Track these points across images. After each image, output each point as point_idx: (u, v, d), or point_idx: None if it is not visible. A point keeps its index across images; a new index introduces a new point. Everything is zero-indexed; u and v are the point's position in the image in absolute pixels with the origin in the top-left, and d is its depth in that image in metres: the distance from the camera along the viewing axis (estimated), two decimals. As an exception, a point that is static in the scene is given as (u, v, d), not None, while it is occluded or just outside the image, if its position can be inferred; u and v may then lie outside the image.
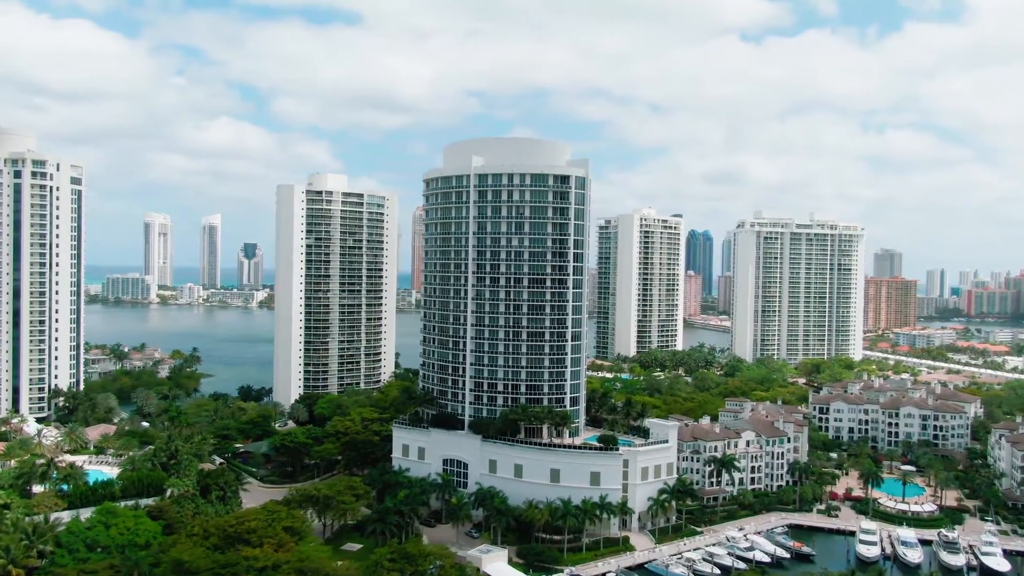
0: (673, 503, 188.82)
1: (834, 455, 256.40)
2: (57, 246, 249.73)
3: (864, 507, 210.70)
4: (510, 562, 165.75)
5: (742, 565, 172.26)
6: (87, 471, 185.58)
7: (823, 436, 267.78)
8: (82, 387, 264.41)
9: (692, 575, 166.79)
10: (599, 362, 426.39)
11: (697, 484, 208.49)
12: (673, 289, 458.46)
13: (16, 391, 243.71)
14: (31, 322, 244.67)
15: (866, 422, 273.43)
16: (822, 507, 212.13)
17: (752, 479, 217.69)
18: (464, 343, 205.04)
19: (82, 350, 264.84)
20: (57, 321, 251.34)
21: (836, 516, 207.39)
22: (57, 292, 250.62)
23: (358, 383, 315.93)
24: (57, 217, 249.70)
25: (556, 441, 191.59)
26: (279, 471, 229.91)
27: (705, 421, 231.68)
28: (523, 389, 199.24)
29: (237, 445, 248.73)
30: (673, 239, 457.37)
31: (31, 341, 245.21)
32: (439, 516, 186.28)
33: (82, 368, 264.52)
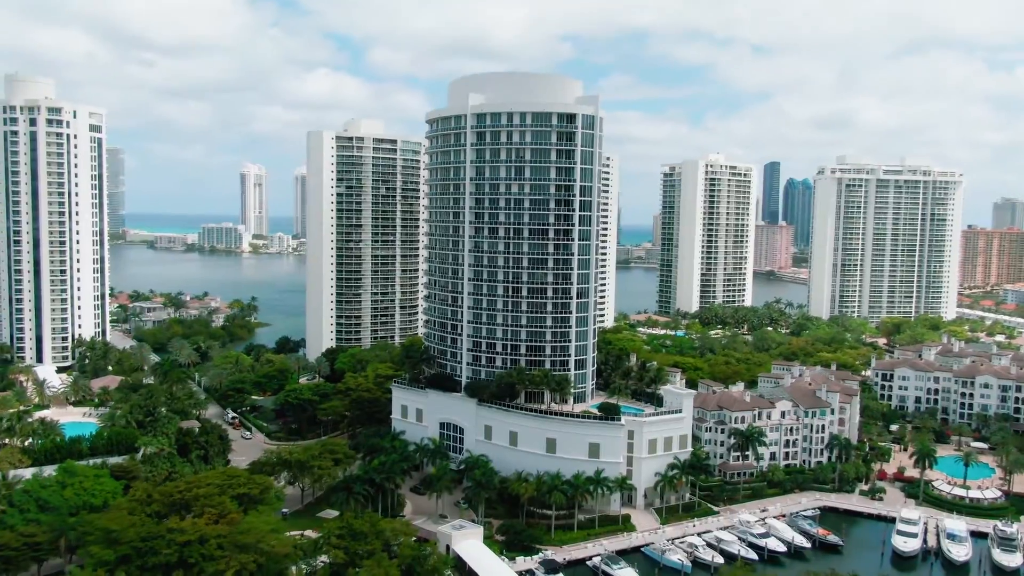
0: (685, 480, 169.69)
1: (895, 427, 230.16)
2: (76, 194, 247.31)
3: (914, 490, 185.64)
4: (489, 539, 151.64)
5: (751, 555, 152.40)
6: (64, 425, 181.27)
7: (883, 406, 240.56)
8: (108, 336, 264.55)
9: (690, 563, 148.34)
10: (655, 317, 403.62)
11: (721, 458, 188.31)
12: (741, 240, 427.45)
13: (39, 340, 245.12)
14: (51, 271, 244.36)
15: (936, 391, 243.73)
16: (866, 488, 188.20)
17: (787, 454, 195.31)
18: (461, 299, 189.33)
19: (107, 299, 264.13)
20: (79, 271, 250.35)
21: (880, 499, 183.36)
22: (78, 241, 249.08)
23: (392, 336, 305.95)
24: (76, 165, 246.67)
25: (555, 408, 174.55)
26: (286, 428, 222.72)
27: (738, 388, 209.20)
28: (523, 350, 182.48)
29: (255, 398, 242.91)
30: (742, 186, 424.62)
31: (52, 291, 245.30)
32: (431, 483, 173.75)
33: (107, 317, 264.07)
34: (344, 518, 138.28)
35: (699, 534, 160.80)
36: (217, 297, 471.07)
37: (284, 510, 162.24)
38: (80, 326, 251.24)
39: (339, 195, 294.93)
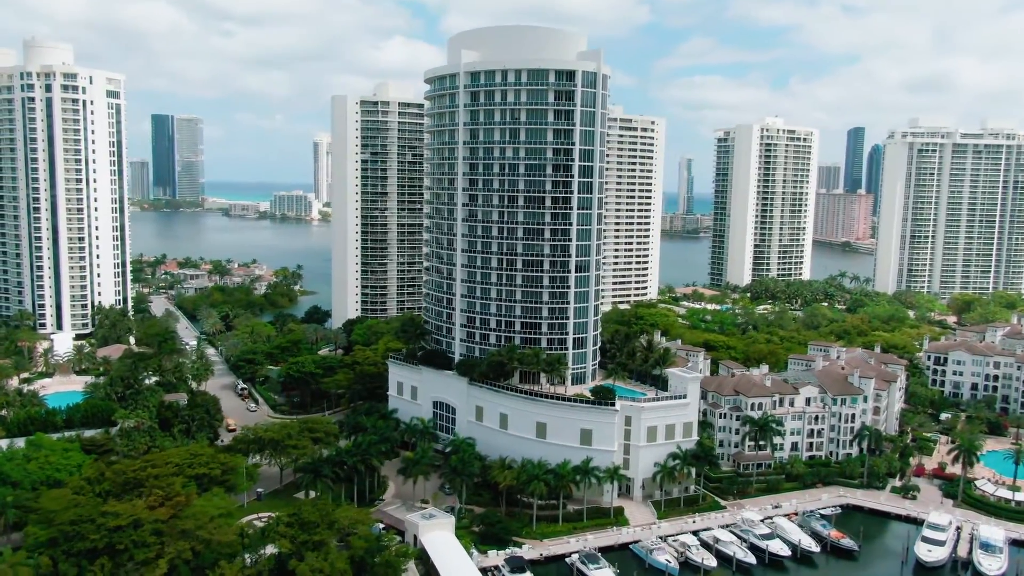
0: (688, 471, 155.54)
1: (947, 416, 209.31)
2: (94, 161, 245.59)
3: (954, 489, 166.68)
4: (465, 530, 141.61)
5: (749, 558, 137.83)
6: (50, 396, 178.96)
7: (933, 393, 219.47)
8: (130, 304, 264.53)
9: (677, 564, 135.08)
10: (702, 291, 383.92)
11: (736, 447, 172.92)
12: (800, 209, 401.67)
13: (59, 308, 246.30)
14: (70, 239, 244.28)
15: (995, 378, 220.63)
16: (899, 485, 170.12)
17: (811, 445, 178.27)
18: (454, 271, 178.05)
19: (128, 266, 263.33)
20: (98, 238, 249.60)
21: (913, 498, 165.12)
22: (96, 208, 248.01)
23: (417, 308, 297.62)
24: (92, 131, 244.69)
25: (545, 390, 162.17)
26: (291, 401, 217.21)
27: (760, 371, 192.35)
28: (517, 327, 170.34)
29: (272, 368, 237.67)
30: (802, 153, 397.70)
31: (71, 258, 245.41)
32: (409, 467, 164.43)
33: (128, 284, 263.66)
34: (297, 505, 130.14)
35: (695, 532, 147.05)
36: (263, 265, 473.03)
37: (259, 490, 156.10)
38: (100, 294, 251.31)
39: (363, 162, 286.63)
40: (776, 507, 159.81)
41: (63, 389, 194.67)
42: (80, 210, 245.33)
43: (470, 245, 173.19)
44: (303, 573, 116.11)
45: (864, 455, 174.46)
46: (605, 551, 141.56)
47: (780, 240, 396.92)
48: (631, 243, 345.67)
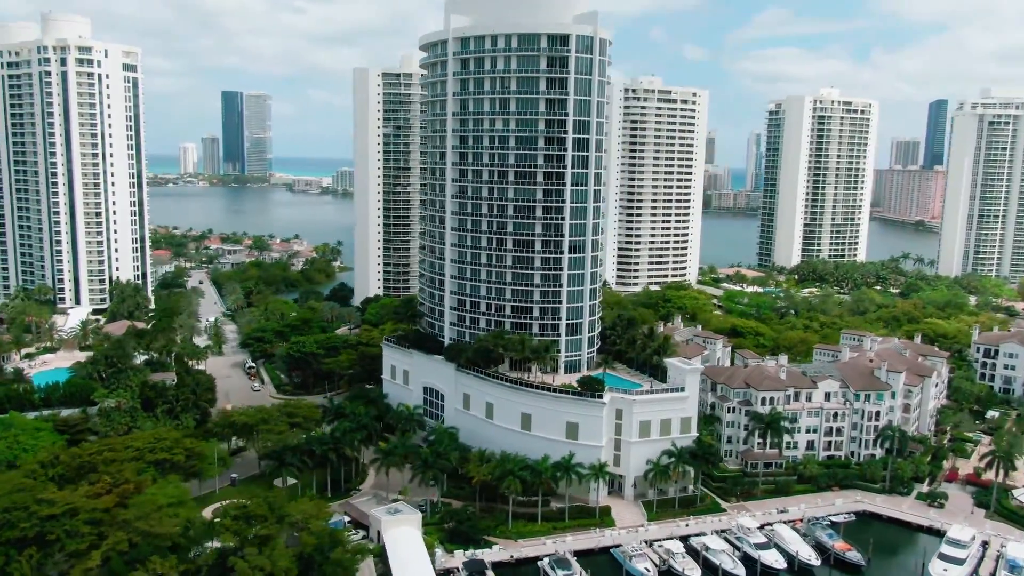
0: (684, 470, 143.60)
1: (994, 414, 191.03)
2: (110, 136, 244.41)
3: (987, 497, 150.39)
4: (437, 526, 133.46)
5: (739, 570, 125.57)
6: (40, 373, 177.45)
7: (981, 388, 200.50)
8: (150, 279, 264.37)
9: (657, 574, 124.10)
10: (746, 272, 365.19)
11: (745, 444, 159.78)
12: (855, 186, 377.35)
13: (77, 282, 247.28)
14: (86, 213, 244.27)
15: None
16: (926, 490, 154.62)
17: (829, 444, 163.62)
18: (444, 250, 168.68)
19: (147, 242, 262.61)
20: (115, 213, 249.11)
21: (940, 506, 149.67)
22: (113, 183, 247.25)
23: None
24: (108, 105, 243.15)
25: (531, 379, 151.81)
26: (293, 382, 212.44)
27: (777, 362, 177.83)
28: (508, 311, 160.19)
29: (285, 344, 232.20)
30: (859, 126, 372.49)
31: (88, 232, 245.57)
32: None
33: (148, 259, 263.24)
34: (249, 496, 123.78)
35: (685, 537, 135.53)
36: (304, 240, 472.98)
37: (234, 475, 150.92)
38: (118, 268, 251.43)
39: (385, 135, 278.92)
40: (782, 511, 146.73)
41: (64, 365, 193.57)
42: (97, 185, 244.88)
43: (460, 223, 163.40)
44: (242, 570, 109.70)
45: (888, 457, 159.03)
46: (584, 555, 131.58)
47: (833, 219, 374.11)
48: (668, 221, 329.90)
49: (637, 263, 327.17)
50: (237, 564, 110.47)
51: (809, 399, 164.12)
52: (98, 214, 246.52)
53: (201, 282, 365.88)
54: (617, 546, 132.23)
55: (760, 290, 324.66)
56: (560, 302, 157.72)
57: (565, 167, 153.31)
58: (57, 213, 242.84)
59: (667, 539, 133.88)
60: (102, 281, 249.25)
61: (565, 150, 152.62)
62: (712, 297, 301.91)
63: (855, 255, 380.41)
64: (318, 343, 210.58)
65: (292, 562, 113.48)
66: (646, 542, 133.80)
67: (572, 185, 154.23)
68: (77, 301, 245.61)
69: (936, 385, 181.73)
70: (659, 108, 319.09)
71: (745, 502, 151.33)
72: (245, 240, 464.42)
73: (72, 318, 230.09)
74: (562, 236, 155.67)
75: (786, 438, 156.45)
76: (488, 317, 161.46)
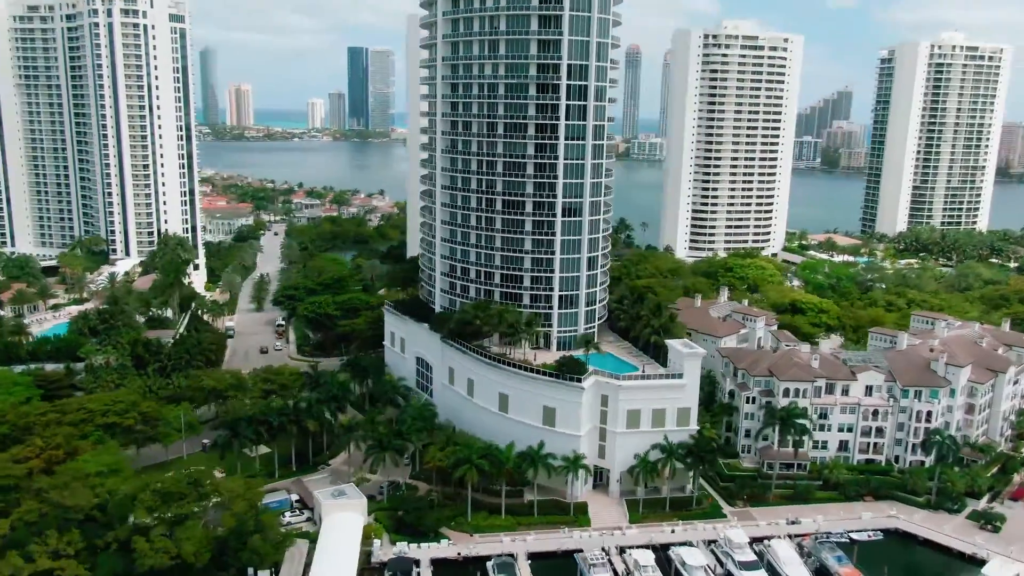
0: (671, 467, 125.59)
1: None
2: (157, 88, 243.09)
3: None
4: (391, 512, 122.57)
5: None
6: (54, 328, 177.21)
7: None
8: (200, 232, 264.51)
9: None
10: (839, 239, 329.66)
11: (764, 441, 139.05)
12: (978, 144, 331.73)
13: (126, 235, 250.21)
14: (134, 166, 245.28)
15: None
16: (981, 509, 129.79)
17: (868, 446, 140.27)
18: (435, 211, 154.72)
19: (196, 194, 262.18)
20: (162, 165, 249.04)
21: (996, 530, 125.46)
22: (161, 136, 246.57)
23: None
24: (154, 57, 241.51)
25: (509, 355, 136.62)
26: (311, 343, 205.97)
27: (820, 346, 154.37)
28: (497, 279, 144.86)
29: (316, 300, 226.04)
30: (985, 75, 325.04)
31: (135, 185, 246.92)
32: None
33: (197, 212, 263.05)
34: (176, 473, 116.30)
35: (664, 546, 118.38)
36: (386, 196, 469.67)
37: (205, 441, 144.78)
38: (166, 222, 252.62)
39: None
40: (793, 522, 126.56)
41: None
42: (144, 137, 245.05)
43: (451, 181, 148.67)
44: (141, 551, 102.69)
45: (937, 466, 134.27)
46: (544, 557, 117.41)
47: (948, 181, 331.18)
48: (751, 181, 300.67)
49: (713, 227, 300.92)
50: (138, 545, 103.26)
51: (846, 393, 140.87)
52: (145, 166, 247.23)
53: (276, 234, 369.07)
54: (578, 551, 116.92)
55: (851, 259, 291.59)
56: (552, 271, 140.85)
57: (558, 118, 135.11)
58: (108, 165, 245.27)
59: (642, 547, 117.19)
60: (150, 233, 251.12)
61: (558, 99, 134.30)
62: (790, 267, 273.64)
63: (974, 223, 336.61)
64: (337, 304, 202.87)
65: (204, 545, 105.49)
66: (618, 548, 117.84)
67: (567, 139, 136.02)
68: (127, 253, 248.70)
69: (1015, 383, 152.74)
70: (743, 56, 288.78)
71: (753, 507, 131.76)
72: (328, 195, 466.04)
73: (118, 270, 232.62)
74: (555, 197, 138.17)
75: (809, 436, 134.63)
76: (478, 285, 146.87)
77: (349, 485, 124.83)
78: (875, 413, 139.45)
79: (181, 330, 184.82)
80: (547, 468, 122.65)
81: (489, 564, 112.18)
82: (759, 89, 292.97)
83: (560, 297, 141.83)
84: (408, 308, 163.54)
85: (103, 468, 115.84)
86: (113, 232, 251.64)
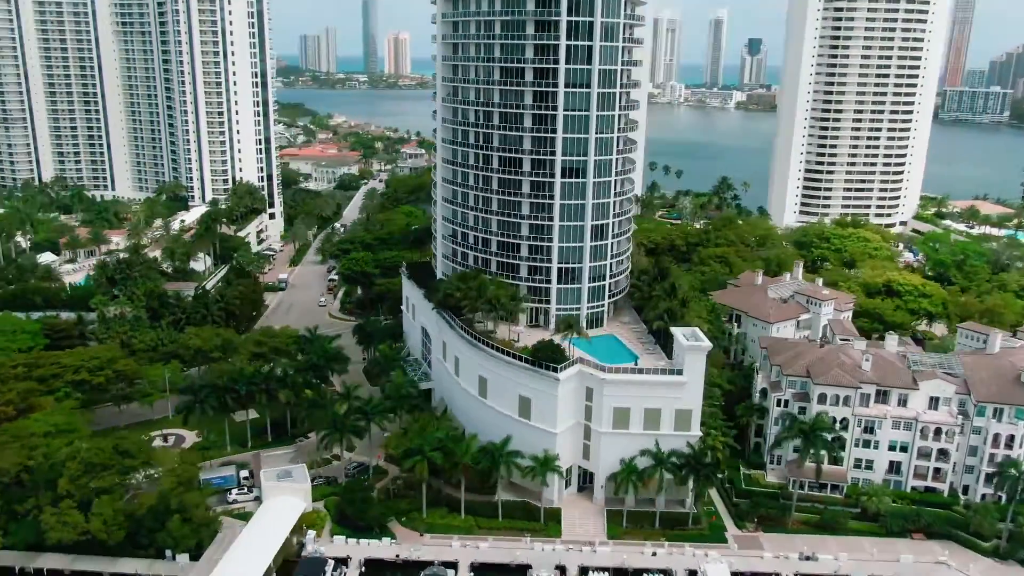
0: (660, 478, 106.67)
1: None
2: (231, 33, 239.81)
3: None
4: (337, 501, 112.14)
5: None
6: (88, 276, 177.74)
7: None
8: (276, 180, 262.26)
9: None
10: (982, 206, 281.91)
11: (795, 452, 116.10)
12: None
13: (202, 182, 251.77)
14: (208, 112, 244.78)
15: None
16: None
17: (928, 472, 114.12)
18: (436, 169, 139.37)
19: (272, 142, 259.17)
20: (237, 112, 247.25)
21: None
22: (235, 82, 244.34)
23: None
24: (228, 1, 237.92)
25: (493, 334, 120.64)
26: (352, 300, 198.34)
27: (861, 341, 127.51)
28: (494, 247, 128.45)
29: (356, 256, 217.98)
30: None
31: (210, 132, 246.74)
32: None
33: (273, 160, 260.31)
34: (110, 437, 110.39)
35: (639, 571, 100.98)
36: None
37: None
38: (241, 169, 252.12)
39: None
40: (808, 558, 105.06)
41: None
42: (218, 83, 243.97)
43: (452, 135, 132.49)
44: (47, 523, 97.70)
45: (1011, 504, 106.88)
46: (495, 569, 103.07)
47: None
48: (877, 139, 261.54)
49: (828, 189, 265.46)
50: (44, 518, 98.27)
51: (903, 403, 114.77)
52: (220, 113, 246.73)
53: (380, 182, 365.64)
54: (529, 567, 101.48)
55: (995, 232, 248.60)
56: (551, 239, 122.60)
57: (558, 61, 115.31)
58: (185, 112, 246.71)
59: (606, 569, 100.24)
60: (225, 181, 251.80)
61: (558, 38, 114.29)
62: (916, 238, 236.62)
63: None
64: (376, 261, 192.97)
65: (102, 523, 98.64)
66: (580, 569, 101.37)
67: (567, 86, 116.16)
68: (204, 200, 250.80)
69: None
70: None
71: (765, 532, 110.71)
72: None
73: (191, 217, 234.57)
74: (553, 154, 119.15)
75: (835, 453, 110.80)
76: (475, 253, 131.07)
77: (299, 466, 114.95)
78: (937, 432, 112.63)
79: (213, 283, 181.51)
80: (510, 467, 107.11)
81: (427, 571, 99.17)
82: (893, 31, 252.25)
83: (559, 270, 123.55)
84: (416, 272, 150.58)
85: (51, 428, 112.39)
86: (191, 179, 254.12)
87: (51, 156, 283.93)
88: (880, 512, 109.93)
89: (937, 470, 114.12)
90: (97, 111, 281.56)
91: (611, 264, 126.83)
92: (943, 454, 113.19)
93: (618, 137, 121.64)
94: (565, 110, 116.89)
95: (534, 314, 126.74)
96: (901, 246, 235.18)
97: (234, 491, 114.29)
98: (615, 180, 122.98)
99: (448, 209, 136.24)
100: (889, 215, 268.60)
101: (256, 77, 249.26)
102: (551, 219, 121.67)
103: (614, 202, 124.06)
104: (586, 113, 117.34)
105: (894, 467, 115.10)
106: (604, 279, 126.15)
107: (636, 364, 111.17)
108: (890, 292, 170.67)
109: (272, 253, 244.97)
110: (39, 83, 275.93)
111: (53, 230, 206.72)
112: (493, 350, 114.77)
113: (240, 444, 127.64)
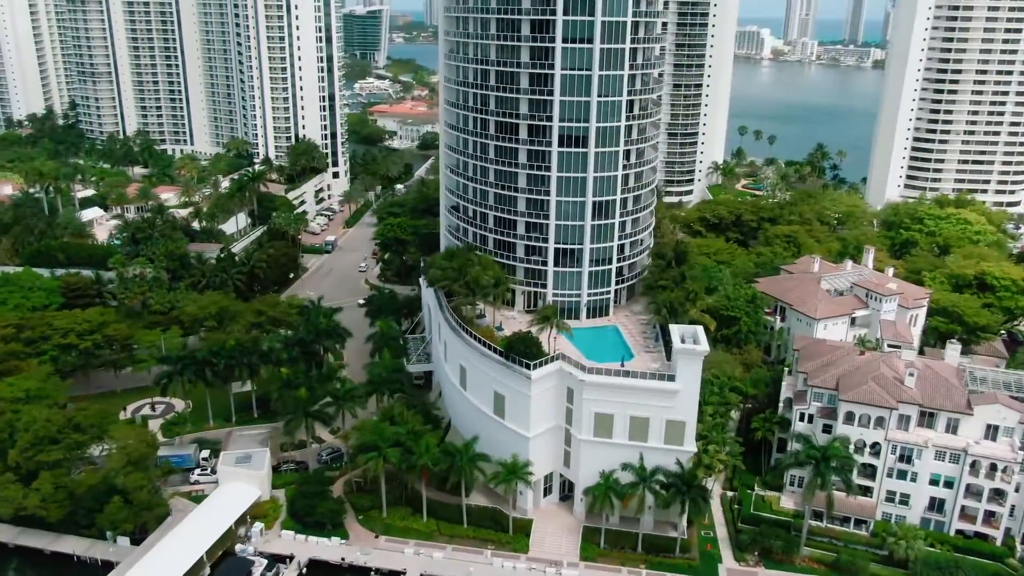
0: (643, 497, 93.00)
1: None
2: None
3: None
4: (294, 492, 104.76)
5: None
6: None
7: None
8: (340, 138, 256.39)
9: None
10: None
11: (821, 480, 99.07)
12: None
13: (266, 138, 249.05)
14: (271, 68, 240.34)
15: None
16: None
17: (979, 513, 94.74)
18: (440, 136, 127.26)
19: (336, 99, 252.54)
20: (300, 68, 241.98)
21: None
22: (298, 38, 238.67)
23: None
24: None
25: (476, 321, 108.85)
26: (390, 268, 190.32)
27: (910, 351, 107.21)
28: (491, 223, 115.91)
29: (392, 222, 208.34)
30: None
31: (273, 88, 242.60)
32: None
33: (338, 118, 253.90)
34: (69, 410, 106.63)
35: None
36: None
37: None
38: (304, 127, 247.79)
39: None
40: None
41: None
42: (282, 39, 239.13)
43: (454, 96, 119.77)
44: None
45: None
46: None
47: None
48: (1003, 104, 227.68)
49: (940, 160, 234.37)
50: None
51: (952, 429, 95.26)
52: (283, 69, 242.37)
53: (400, 149, 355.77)
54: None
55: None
56: (547, 216, 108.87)
57: (555, 11, 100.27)
58: (250, 67, 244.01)
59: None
60: (288, 139, 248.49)
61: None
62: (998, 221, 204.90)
63: None
64: (413, 228, 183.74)
65: (56, 500, 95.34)
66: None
67: (564, 42, 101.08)
68: (268, 157, 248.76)
69: None
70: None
71: (767, 569, 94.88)
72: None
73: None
74: (550, 119, 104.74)
75: (849, 483, 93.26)
76: (474, 229, 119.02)
77: (260, 451, 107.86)
78: (992, 467, 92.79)
79: (243, 245, 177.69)
80: (472, 473, 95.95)
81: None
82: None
83: (556, 251, 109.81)
84: (425, 243, 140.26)
85: (21, 394, 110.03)
86: (256, 136, 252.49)
87: (135, 110, 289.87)
88: (909, 558, 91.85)
89: (990, 513, 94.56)
90: (177, 66, 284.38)
91: (620, 245, 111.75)
92: (998, 494, 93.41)
93: (628, 101, 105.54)
94: (563, 69, 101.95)
95: (533, 298, 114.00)
96: (1022, 228, 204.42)
97: (196, 471, 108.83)
98: (623, 151, 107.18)
99: (450, 179, 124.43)
100: (1013, 192, 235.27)
101: (320, 32, 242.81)
102: (547, 193, 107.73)
103: (623, 175, 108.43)
104: (588, 72, 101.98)
105: (936, 505, 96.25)
106: (610, 262, 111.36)
107: (623, 365, 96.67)
108: (983, 286, 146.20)
109: (329, 214, 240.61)
110: (123, 38, 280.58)
111: (108, 185, 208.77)
112: (470, 337, 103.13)
113: (225, 419, 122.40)
